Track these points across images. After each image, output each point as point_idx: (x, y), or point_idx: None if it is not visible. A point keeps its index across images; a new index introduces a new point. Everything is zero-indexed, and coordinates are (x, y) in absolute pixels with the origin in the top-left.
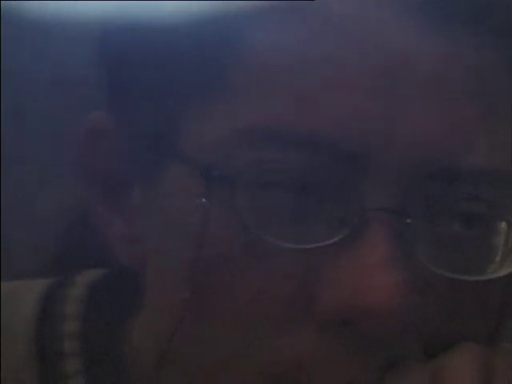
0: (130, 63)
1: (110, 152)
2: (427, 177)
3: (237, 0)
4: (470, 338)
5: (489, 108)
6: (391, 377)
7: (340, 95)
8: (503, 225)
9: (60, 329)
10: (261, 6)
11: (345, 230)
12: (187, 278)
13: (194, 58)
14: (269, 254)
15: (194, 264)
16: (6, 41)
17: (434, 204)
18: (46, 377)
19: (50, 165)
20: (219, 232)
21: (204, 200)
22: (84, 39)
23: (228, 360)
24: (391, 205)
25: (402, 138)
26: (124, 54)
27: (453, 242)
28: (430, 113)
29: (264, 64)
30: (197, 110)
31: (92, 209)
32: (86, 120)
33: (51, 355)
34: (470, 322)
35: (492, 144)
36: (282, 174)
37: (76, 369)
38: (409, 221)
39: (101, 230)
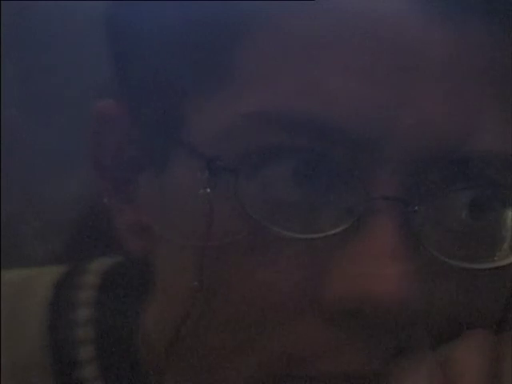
0: (136, 51)
1: (118, 140)
2: (434, 164)
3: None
4: (478, 326)
5: (498, 93)
6: (399, 366)
7: (346, 81)
8: (511, 211)
9: (73, 316)
10: None
11: (351, 218)
12: (195, 268)
13: (198, 46)
14: (274, 243)
15: (201, 254)
16: (11, 30)
17: (441, 191)
18: (59, 364)
19: (61, 152)
20: (225, 222)
21: (208, 190)
22: (92, 28)
23: (236, 348)
24: (398, 193)
25: (408, 125)
26: (130, 42)
27: (460, 229)
28: (436, 99)
29: (269, 50)
30: (201, 98)
31: (102, 197)
32: (95, 108)
33: (64, 342)
34: (477, 310)
35: (500, 129)
36: (286, 163)
37: (89, 356)
38: (416, 209)
39: (111, 217)
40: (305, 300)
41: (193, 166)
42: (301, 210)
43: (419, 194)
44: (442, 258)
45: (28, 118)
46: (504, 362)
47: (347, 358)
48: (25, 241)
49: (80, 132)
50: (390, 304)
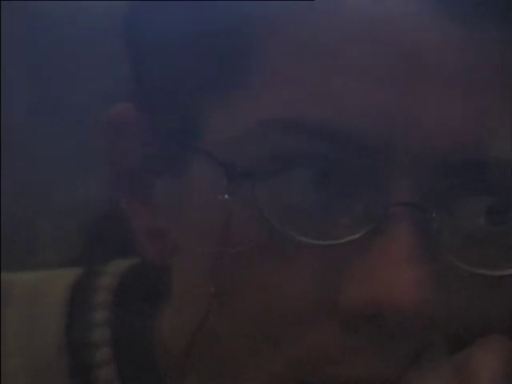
0: (154, 55)
1: (134, 144)
2: (452, 170)
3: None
4: (494, 332)
5: None
6: (415, 371)
7: (364, 87)
8: None
9: (90, 318)
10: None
11: (369, 225)
12: (211, 273)
13: (215, 51)
14: (292, 249)
15: (218, 259)
16: (11, 30)
17: (459, 197)
18: (76, 366)
19: (78, 155)
20: (242, 228)
21: (227, 196)
22: (109, 31)
23: (253, 354)
24: (416, 199)
25: (425, 131)
26: (148, 45)
27: (478, 235)
28: (453, 104)
29: (286, 56)
30: (219, 103)
31: (119, 199)
32: (111, 111)
33: (81, 344)
34: (494, 317)
35: None
36: (304, 169)
37: (106, 358)
38: (434, 215)
39: (127, 221)
40: (323, 306)
41: (210, 171)
42: (319, 216)
43: (437, 199)
44: (459, 264)
45: (47, 121)
46: None
47: (365, 363)
48: (41, 243)
49: (96, 135)
50: (408, 310)
